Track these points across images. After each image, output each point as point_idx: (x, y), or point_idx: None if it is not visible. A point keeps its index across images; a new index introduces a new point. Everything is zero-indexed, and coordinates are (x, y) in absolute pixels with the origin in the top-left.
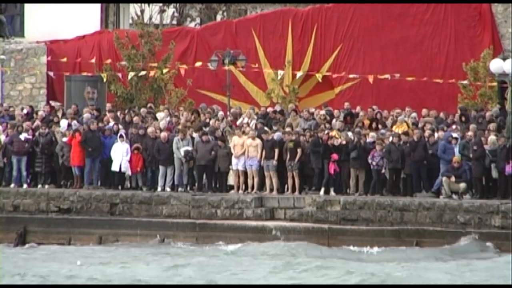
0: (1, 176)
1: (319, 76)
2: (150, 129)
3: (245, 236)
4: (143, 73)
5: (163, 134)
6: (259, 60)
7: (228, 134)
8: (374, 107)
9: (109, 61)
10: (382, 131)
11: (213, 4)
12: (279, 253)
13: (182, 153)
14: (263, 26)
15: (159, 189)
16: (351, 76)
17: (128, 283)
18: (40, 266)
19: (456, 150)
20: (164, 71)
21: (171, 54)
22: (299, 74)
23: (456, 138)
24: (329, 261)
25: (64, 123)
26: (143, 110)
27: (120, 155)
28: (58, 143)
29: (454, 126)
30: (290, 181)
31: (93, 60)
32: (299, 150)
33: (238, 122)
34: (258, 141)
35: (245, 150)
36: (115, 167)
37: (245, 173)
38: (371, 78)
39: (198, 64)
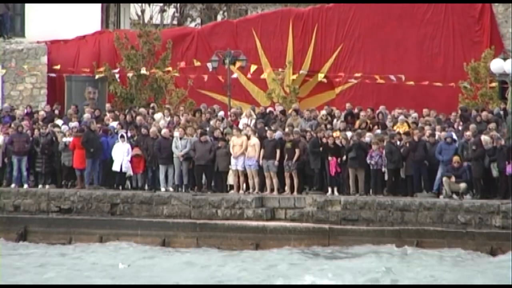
0: (1, 176)
1: (321, 76)
2: (152, 129)
3: (246, 236)
4: (144, 72)
5: (165, 131)
6: (259, 60)
7: (227, 135)
8: (382, 107)
9: (103, 68)
10: (378, 131)
11: (213, 4)
12: None
13: (181, 153)
14: (263, 26)
15: (162, 189)
16: (356, 75)
17: None
18: None
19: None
20: (170, 71)
21: (169, 53)
22: (302, 71)
23: (453, 139)
24: None
25: (59, 123)
26: (142, 110)
27: (121, 155)
28: (60, 143)
29: (451, 128)
30: (288, 181)
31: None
32: (297, 151)
33: (240, 123)
34: (255, 140)
35: (244, 150)
36: (116, 167)
37: (245, 173)
38: (379, 79)
39: (198, 64)
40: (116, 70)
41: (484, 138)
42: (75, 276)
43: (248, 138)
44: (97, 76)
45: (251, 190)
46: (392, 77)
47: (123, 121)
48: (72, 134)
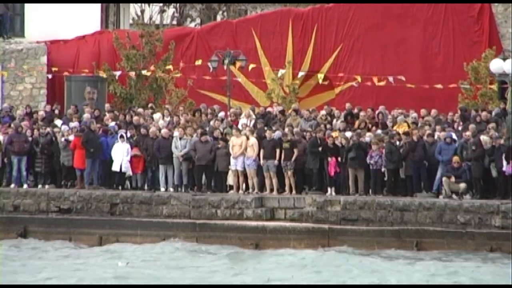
0: (1, 176)
1: (320, 77)
2: (151, 129)
3: (245, 236)
4: (145, 73)
5: (165, 130)
6: (259, 60)
7: (227, 135)
8: (381, 107)
9: (103, 67)
10: (378, 131)
11: (213, 4)
12: None
13: (181, 153)
14: (263, 26)
15: (162, 189)
16: (356, 76)
17: None
18: None
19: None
20: (167, 68)
21: (171, 54)
22: (301, 73)
23: (453, 139)
24: None
25: (58, 123)
26: (141, 110)
27: (121, 155)
28: (61, 143)
29: (451, 128)
30: (288, 181)
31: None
32: (295, 151)
33: (240, 123)
34: (254, 140)
35: (243, 150)
36: (115, 167)
37: (244, 173)
38: (376, 80)
39: (198, 63)
40: (118, 73)
41: (483, 138)
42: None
43: (247, 138)
44: (104, 76)
45: (250, 190)
46: (391, 79)
47: (123, 121)
48: (73, 134)
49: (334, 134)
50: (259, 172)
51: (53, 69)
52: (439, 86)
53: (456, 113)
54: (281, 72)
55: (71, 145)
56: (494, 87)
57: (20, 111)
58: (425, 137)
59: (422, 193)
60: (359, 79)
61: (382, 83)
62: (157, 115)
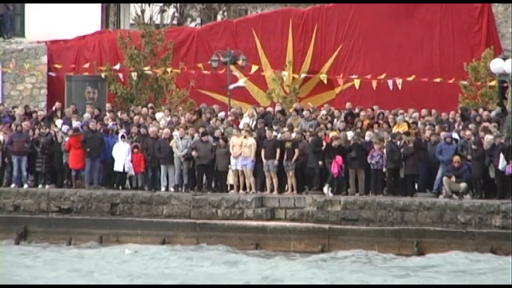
0: (1, 176)
1: (323, 77)
2: (152, 129)
3: (246, 236)
4: (147, 71)
5: (166, 131)
6: (259, 60)
7: (228, 135)
8: (375, 107)
9: (105, 67)
10: (376, 130)
11: (213, 4)
12: None
13: (182, 153)
14: (263, 26)
15: (162, 189)
16: (354, 77)
17: None
18: None
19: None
20: (168, 70)
21: (170, 53)
22: (303, 75)
23: (454, 139)
24: None
25: (59, 123)
26: (144, 110)
27: (123, 155)
28: (63, 143)
29: (453, 128)
30: (288, 181)
31: (86, 64)
32: (296, 151)
33: (241, 123)
34: (252, 140)
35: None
36: (118, 167)
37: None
38: (374, 83)
39: (200, 65)
40: (120, 75)
41: (487, 137)
42: None
43: (244, 137)
44: (103, 75)
45: (247, 190)
46: (391, 79)
47: (123, 121)
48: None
49: (332, 134)
50: (259, 172)
51: (57, 66)
52: (440, 86)
53: (457, 113)
54: (284, 73)
55: (66, 145)
56: (494, 83)
57: (19, 110)
58: (433, 136)
59: (422, 193)
60: (356, 84)
61: (382, 77)
62: (159, 115)
